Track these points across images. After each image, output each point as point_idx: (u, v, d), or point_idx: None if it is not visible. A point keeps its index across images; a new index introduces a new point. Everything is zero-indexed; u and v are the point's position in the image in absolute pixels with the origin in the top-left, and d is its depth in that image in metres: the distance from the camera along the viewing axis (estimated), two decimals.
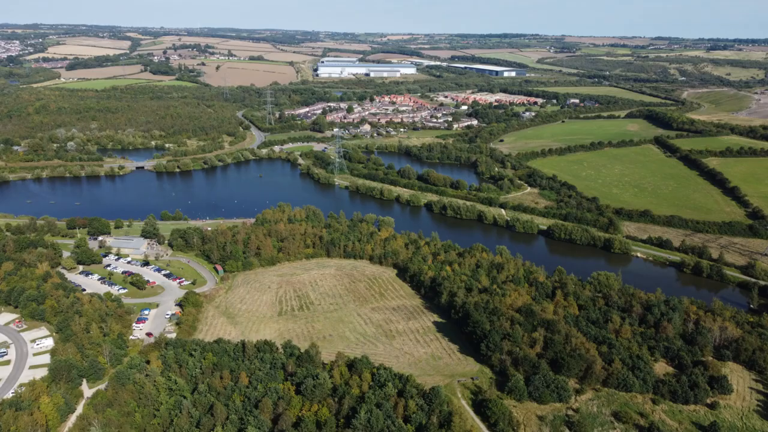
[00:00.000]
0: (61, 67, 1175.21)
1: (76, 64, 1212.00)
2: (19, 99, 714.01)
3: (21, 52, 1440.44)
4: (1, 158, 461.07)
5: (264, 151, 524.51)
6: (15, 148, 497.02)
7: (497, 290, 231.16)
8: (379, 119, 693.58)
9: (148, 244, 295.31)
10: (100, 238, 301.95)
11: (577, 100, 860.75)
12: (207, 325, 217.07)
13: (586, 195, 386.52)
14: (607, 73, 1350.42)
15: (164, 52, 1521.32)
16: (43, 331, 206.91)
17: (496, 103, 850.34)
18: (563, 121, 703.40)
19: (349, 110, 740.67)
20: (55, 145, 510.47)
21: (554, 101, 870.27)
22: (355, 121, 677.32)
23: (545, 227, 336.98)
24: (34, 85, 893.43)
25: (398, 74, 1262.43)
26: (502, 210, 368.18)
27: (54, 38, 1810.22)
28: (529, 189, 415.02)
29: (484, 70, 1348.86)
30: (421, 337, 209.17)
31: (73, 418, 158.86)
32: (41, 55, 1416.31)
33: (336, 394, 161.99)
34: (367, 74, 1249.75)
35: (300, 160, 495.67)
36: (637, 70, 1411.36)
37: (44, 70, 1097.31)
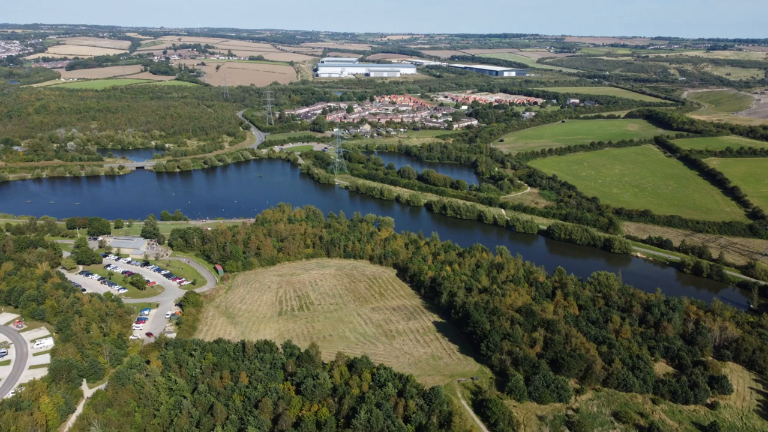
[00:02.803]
0: (61, 67, 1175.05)
1: (76, 64, 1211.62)
2: (19, 99, 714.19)
3: (21, 52, 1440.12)
4: (1, 158, 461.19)
5: (264, 151, 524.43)
6: (15, 148, 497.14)
7: (497, 290, 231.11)
8: (379, 119, 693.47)
9: (148, 244, 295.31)
10: (100, 238, 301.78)
11: (577, 100, 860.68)
12: (207, 325, 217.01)
13: (586, 195, 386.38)
14: (607, 73, 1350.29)
15: (164, 52, 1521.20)
16: (43, 331, 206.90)
17: (496, 103, 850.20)
18: (563, 121, 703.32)
19: (349, 110, 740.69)
20: (55, 145, 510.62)
21: (554, 101, 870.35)
22: (355, 121, 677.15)
23: (545, 227, 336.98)
24: (34, 85, 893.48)
25: (398, 74, 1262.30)
26: (502, 210, 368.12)
27: (54, 38, 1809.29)
28: (529, 189, 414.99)
29: (484, 70, 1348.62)
30: (421, 337, 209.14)
31: (73, 418, 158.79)
32: (41, 55, 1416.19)
33: (336, 394, 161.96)
34: (367, 74, 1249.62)
35: (300, 160, 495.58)
36: (637, 70, 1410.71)
37: (44, 70, 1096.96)
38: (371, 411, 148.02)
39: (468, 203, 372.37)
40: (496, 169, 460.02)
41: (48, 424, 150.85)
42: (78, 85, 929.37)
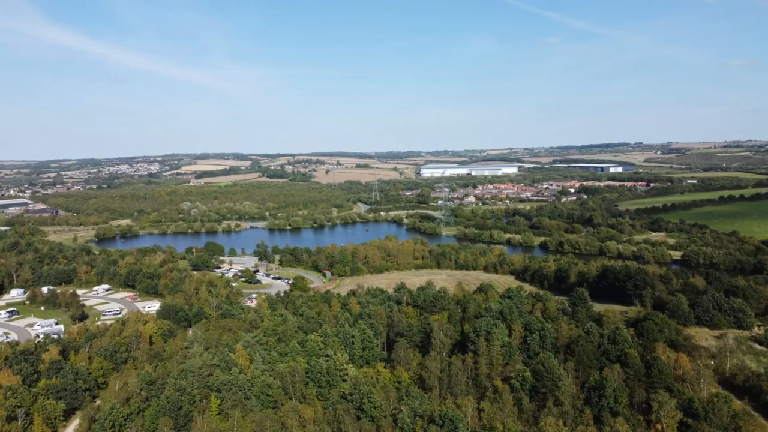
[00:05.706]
0: (191, 176, 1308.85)
1: (204, 174, 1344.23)
2: (154, 189, 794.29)
3: (159, 171, 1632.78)
4: (134, 221, 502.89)
5: (371, 215, 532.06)
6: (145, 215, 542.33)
7: None
8: (484, 194, 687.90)
9: (259, 260, 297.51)
10: (214, 256, 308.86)
11: (695, 181, 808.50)
12: None
13: (723, 231, 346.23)
14: (724, 165, 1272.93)
15: (281, 166, 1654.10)
16: (156, 302, 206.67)
17: (605, 186, 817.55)
18: (682, 193, 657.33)
19: (453, 190, 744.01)
20: (180, 214, 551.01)
21: (669, 184, 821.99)
22: (460, 197, 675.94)
23: (678, 257, 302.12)
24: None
25: (500, 172, 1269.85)
26: (627, 243, 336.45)
27: (187, 161, 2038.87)
28: (653, 234, 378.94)
29: (588, 167, 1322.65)
30: None
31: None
32: (175, 171, 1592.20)
33: None
34: (468, 173, 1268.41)
35: (405, 220, 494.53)
36: (757, 163, 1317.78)
37: (177, 178, 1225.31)
38: None
39: (588, 239, 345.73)
40: (614, 219, 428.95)
41: (151, 339, 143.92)
42: (204, 184, 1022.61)
